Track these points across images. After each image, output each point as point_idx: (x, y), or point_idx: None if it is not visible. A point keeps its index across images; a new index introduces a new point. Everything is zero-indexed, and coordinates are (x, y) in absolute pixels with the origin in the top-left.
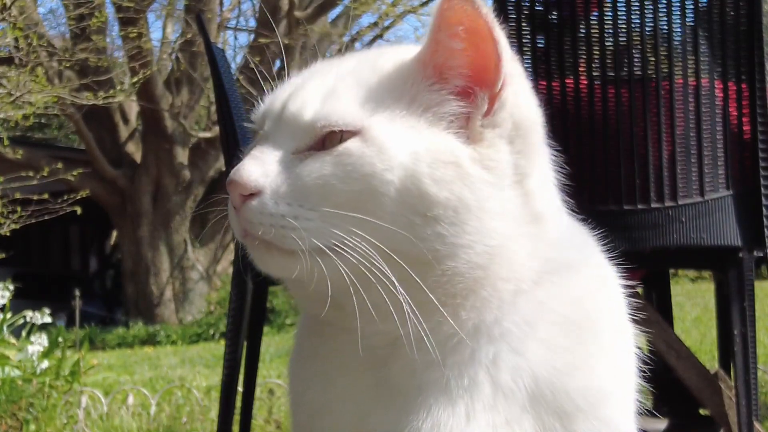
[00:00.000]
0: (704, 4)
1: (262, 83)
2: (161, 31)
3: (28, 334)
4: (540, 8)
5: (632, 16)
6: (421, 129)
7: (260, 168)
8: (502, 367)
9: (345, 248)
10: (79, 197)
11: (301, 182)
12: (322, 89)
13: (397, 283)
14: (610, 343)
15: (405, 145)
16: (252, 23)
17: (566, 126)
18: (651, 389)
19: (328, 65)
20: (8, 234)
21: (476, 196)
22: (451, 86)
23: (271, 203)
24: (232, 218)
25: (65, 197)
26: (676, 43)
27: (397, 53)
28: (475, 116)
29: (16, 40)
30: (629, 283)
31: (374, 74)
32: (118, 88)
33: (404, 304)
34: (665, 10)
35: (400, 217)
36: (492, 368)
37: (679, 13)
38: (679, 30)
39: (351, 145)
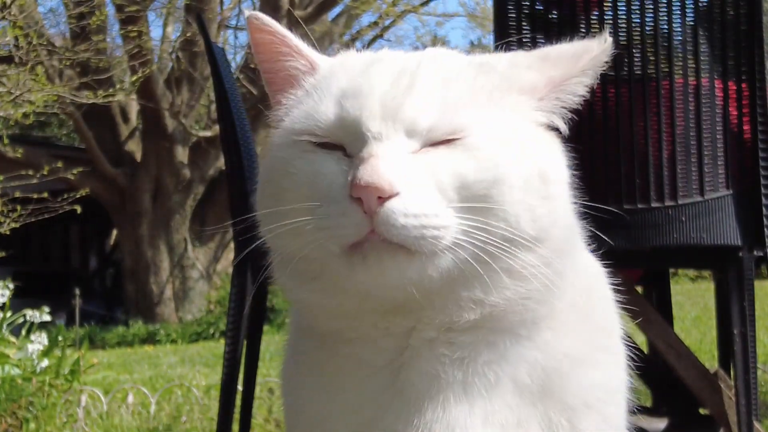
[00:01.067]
0: (704, 4)
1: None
2: (161, 29)
3: (28, 332)
4: (540, 7)
5: (632, 16)
6: (528, 122)
7: (394, 166)
8: (521, 361)
9: (467, 241)
10: (79, 196)
11: (435, 179)
12: (435, 94)
13: (502, 274)
14: (611, 339)
15: (525, 133)
16: None
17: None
18: (651, 389)
19: (400, 56)
20: (8, 233)
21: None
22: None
23: (414, 207)
24: (341, 223)
25: (65, 196)
26: (676, 42)
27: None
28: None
29: (16, 38)
30: (617, 281)
31: (485, 77)
32: (119, 86)
33: (497, 293)
34: (665, 9)
35: (522, 203)
36: (515, 365)
37: (679, 12)
38: (679, 29)
39: (477, 139)
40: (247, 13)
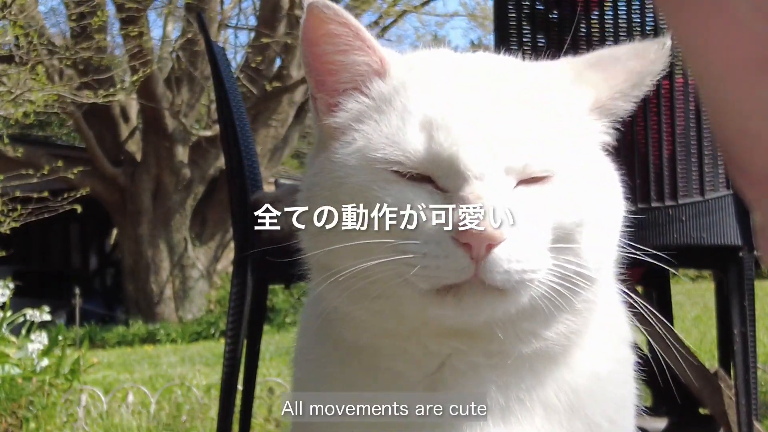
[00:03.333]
0: None
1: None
2: (162, 29)
3: (28, 332)
4: (540, 7)
5: (633, 15)
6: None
7: (500, 213)
8: (552, 384)
9: (549, 279)
10: (79, 195)
11: (535, 220)
12: (530, 125)
13: (564, 309)
14: (626, 349)
15: (598, 164)
16: (252, 21)
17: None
18: (651, 389)
19: (477, 66)
20: (8, 232)
21: None
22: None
23: (519, 251)
24: (443, 265)
25: (65, 195)
26: (676, 42)
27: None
28: None
29: (17, 38)
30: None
31: (561, 97)
32: (119, 86)
33: (554, 327)
34: None
35: (592, 241)
36: (546, 388)
37: None
38: None
39: (568, 176)
40: (308, 2)
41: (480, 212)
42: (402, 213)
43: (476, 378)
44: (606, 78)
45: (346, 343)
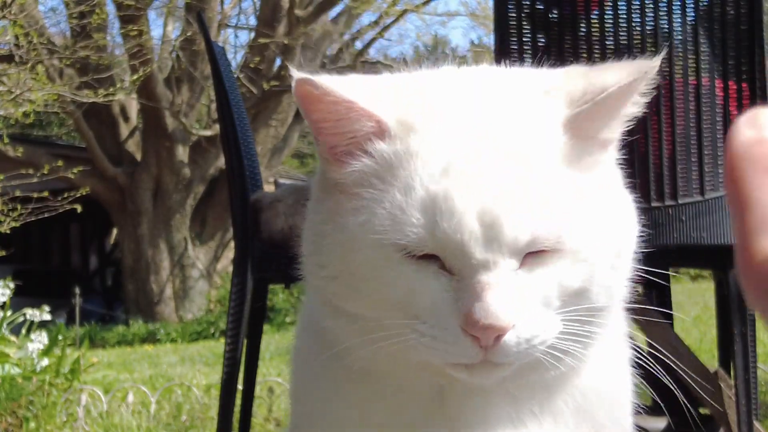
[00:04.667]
0: (705, 3)
1: None
2: (162, 29)
3: (28, 331)
4: (541, 7)
5: (633, 15)
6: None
7: (510, 302)
8: (561, 392)
9: (563, 334)
10: (79, 195)
11: (542, 295)
12: (536, 200)
13: (587, 339)
14: (624, 345)
15: (610, 201)
16: (252, 21)
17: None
18: (651, 389)
19: (487, 138)
20: (8, 231)
21: None
22: None
23: (526, 332)
24: (451, 350)
25: (65, 195)
26: (676, 41)
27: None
28: None
29: (17, 37)
30: None
31: (571, 136)
32: (119, 85)
33: (564, 360)
34: (666, 8)
35: (603, 281)
36: (555, 397)
37: (679, 11)
38: (679, 29)
39: (577, 240)
40: (297, 76)
41: (488, 304)
42: (412, 297)
43: (487, 398)
44: (599, 122)
45: (348, 367)
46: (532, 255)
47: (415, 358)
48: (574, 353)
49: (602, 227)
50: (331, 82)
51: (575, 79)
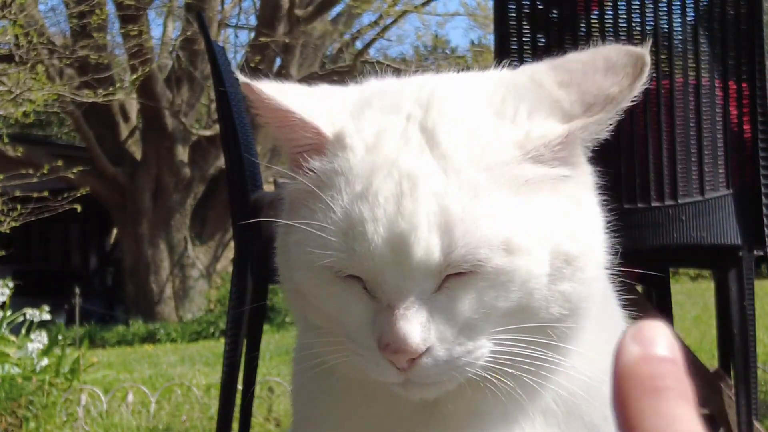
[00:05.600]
0: (705, 3)
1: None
2: (162, 28)
3: (28, 331)
4: (541, 7)
5: (633, 15)
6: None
7: (419, 327)
8: (550, 391)
9: (502, 348)
10: (79, 195)
11: (463, 318)
12: (441, 224)
13: (548, 351)
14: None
15: (547, 228)
16: (252, 21)
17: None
18: None
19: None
20: (8, 231)
21: None
22: None
23: (444, 353)
24: (376, 371)
25: (65, 195)
26: (676, 41)
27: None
28: None
29: (17, 37)
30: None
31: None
32: (119, 85)
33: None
34: (666, 8)
35: (549, 294)
36: (543, 396)
37: (679, 11)
38: (679, 29)
39: (500, 262)
40: (241, 80)
41: (397, 329)
42: (341, 316)
43: (477, 391)
44: (578, 101)
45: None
46: (452, 277)
47: (353, 374)
48: (529, 368)
49: (540, 239)
50: (270, 89)
51: (559, 90)
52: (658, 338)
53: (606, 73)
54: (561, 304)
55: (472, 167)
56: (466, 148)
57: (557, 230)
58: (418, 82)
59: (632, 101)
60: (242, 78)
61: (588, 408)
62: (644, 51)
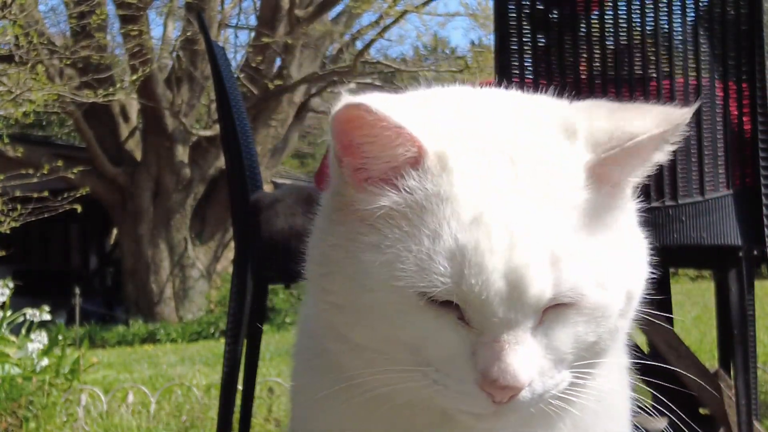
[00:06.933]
0: (705, 3)
1: None
2: (162, 29)
3: (28, 331)
4: (541, 7)
5: (633, 15)
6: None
7: (528, 362)
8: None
9: (577, 386)
10: (79, 195)
11: (557, 352)
12: (554, 256)
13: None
14: (623, 353)
15: (622, 265)
16: (253, 21)
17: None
18: (651, 389)
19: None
20: (8, 231)
21: None
22: None
23: (540, 387)
24: (463, 402)
25: (65, 195)
26: (676, 42)
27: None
28: None
29: (17, 37)
30: None
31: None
32: (119, 85)
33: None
34: (666, 9)
35: (614, 329)
36: (555, 418)
37: (679, 11)
38: (679, 29)
39: (595, 296)
40: (348, 101)
41: (507, 365)
42: (428, 345)
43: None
44: (626, 167)
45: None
46: (550, 309)
47: (421, 398)
48: (576, 398)
49: (619, 276)
50: (384, 108)
51: (599, 121)
52: None
53: (640, 116)
54: (612, 337)
55: (568, 202)
56: (560, 181)
57: (628, 267)
58: (499, 99)
59: (666, 151)
60: (351, 99)
61: (593, 423)
62: (686, 112)
